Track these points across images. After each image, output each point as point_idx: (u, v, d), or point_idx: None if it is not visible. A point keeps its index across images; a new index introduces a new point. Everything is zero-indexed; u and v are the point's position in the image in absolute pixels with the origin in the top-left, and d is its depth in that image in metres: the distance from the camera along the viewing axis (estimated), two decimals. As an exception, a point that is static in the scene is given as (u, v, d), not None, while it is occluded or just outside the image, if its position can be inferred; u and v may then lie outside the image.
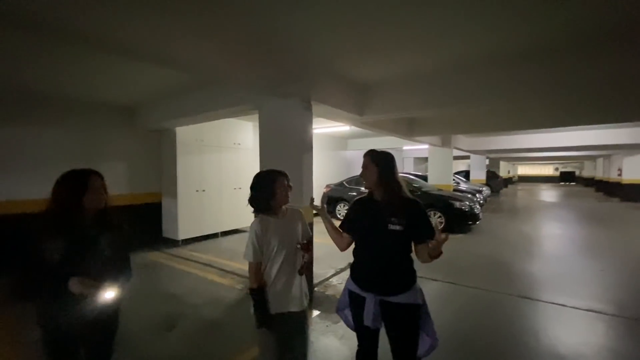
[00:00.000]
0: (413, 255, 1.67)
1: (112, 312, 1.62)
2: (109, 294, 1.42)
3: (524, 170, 36.96)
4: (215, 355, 2.55)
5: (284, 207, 1.82)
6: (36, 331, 1.45)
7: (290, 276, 1.74)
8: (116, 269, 1.57)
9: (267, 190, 1.74)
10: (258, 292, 1.69)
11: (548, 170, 35.76)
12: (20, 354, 2.50)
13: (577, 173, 32.64)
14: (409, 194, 1.68)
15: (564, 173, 33.85)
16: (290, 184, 1.82)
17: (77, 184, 1.47)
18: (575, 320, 3.14)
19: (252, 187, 1.78)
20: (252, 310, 1.69)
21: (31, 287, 1.40)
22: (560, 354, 2.54)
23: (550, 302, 3.51)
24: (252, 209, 1.81)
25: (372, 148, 1.78)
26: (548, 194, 19.10)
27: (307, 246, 1.78)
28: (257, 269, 1.72)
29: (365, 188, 1.77)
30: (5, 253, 1.79)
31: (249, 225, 1.75)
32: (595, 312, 3.28)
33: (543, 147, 10.83)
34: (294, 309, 1.74)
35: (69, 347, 1.50)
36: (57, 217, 1.43)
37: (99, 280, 1.41)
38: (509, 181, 27.03)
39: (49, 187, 1.46)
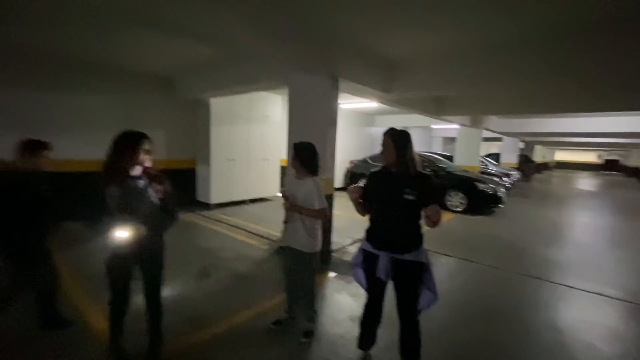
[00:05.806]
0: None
1: (158, 243, 2.03)
2: (121, 233, 1.78)
3: (562, 155, 34.69)
4: (246, 300, 2.98)
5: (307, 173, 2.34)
6: (97, 267, 1.85)
7: (292, 220, 2.36)
8: (163, 213, 1.99)
9: None
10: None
11: (590, 157, 33.35)
12: (84, 285, 3.06)
13: (621, 161, 30.24)
14: (421, 169, 1.90)
15: (607, 161, 31.47)
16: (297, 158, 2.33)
17: (131, 143, 1.83)
18: (580, 301, 3.27)
19: None
20: None
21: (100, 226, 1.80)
22: (555, 327, 2.73)
23: (559, 283, 3.64)
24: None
25: (392, 127, 1.96)
26: (585, 182, 18.10)
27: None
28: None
29: (385, 164, 1.97)
30: (65, 204, 2.22)
31: (275, 194, 2.19)
32: (604, 296, 3.37)
33: (584, 132, 10.24)
34: (296, 246, 2.34)
35: (126, 264, 1.91)
36: (114, 169, 1.79)
37: (145, 221, 1.81)
38: (543, 166, 25.67)
39: (96, 149, 1.80)
